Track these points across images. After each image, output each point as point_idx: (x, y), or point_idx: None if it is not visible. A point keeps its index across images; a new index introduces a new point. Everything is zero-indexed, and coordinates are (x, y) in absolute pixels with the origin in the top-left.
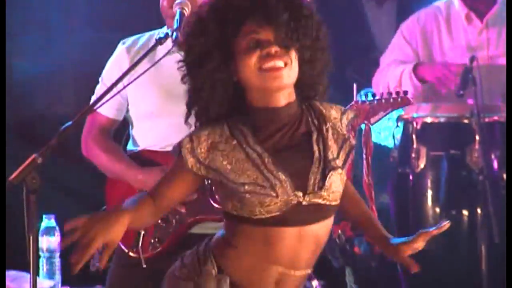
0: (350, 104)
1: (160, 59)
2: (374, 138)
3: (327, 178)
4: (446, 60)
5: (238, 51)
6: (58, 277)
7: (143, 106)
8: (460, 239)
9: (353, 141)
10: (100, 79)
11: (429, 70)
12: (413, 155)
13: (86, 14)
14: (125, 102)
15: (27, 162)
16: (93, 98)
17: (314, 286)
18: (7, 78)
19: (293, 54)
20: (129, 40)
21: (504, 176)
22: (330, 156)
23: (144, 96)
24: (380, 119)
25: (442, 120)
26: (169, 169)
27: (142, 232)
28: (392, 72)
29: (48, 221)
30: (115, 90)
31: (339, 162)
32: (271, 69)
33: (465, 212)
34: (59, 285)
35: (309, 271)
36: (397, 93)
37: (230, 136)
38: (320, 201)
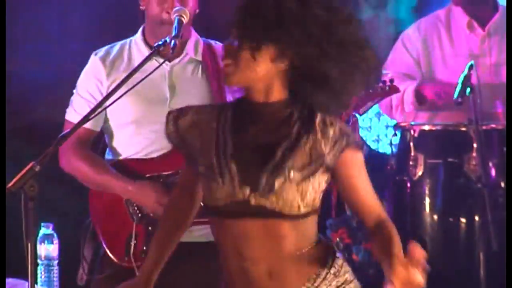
0: None
1: (157, 67)
2: (372, 145)
3: (277, 184)
4: (447, 69)
5: None
6: (56, 284)
7: (124, 115)
8: (458, 247)
9: (329, 161)
10: (74, 90)
11: (429, 88)
12: (410, 162)
13: (83, 25)
14: (103, 112)
15: (25, 169)
16: (69, 109)
17: None
18: (8, 85)
19: (248, 53)
20: (101, 51)
21: (502, 184)
22: (290, 165)
23: (125, 105)
24: (368, 109)
25: (439, 127)
26: None
27: (133, 242)
28: None
29: (46, 229)
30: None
31: (297, 175)
32: (223, 67)
33: (463, 220)
34: None
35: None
36: (384, 82)
37: (215, 118)
38: (267, 205)
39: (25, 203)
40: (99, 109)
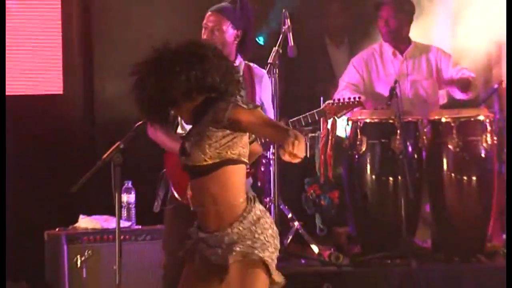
0: (324, 105)
1: None
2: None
3: (188, 149)
4: (381, 83)
5: None
6: (133, 220)
7: None
8: (388, 195)
9: (219, 124)
10: None
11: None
12: (357, 142)
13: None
14: None
15: (113, 147)
16: None
17: (296, 225)
18: (101, 92)
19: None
20: None
21: (416, 155)
22: (194, 133)
23: None
24: (343, 115)
25: (376, 120)
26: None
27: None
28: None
29: (127, 184)
30: None
31: (196, 139)
32: None
33: (391, 178)
34: (134, 225)
35: (222, 208)
36: (354, 98)
37: None
38: (189, 163)
39: (114, 168)
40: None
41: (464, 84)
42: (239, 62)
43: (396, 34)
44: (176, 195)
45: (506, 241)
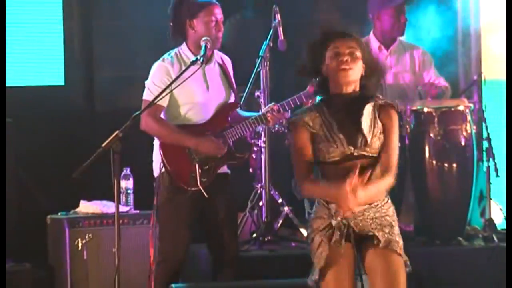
0: (309, 86)
1: (192, 74)
2: None
3: (370, 141)
4: None
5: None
6: (131, 204)
7: (184, 98)
8: None
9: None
10: (147, 81)
11: None
12: None
13: (145, 48)
14: (168, 95)
15: (112, 135)
16: (146, 92)
17: (286, 210)
18: (102, 85)
19: (359, 63)
20: (165, 58)
21: (399, 144)
22: (376, 130)
23: (186, 92)
24: None
25: None
26: (295, 141)
27: (197, 174)
28: None
29: (125, 171)
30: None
31: (380, 134)
32: (344, 70)
33: None
34: (132, 209)
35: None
36: None
37: (317, 113)
38: (365, 153)
39: (113, 155)
40: (165, 93)
41: (437, 94)
42: (217, 52)
43: (389, 33)
44: (182, 185)
45: (506, 239)
